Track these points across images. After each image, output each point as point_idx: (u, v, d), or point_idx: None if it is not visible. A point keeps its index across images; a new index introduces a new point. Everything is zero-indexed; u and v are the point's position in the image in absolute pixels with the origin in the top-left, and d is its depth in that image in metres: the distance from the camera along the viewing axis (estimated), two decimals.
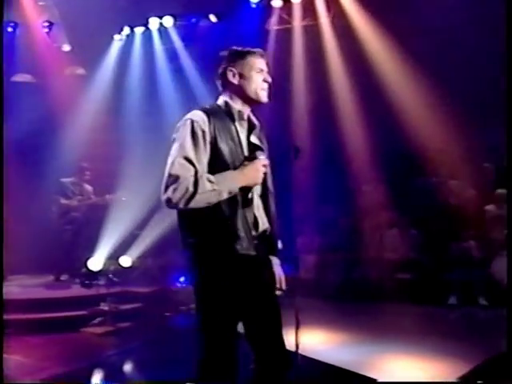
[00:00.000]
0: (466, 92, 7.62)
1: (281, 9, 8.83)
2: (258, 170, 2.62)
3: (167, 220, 6.46)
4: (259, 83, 2.73)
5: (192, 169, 2.50)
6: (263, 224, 2.73)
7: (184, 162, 2.50)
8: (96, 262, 6.77)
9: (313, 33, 8.62)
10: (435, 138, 8.08)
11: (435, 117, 7.91)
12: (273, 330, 2.70)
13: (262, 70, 2.75)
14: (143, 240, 7.31)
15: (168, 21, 9.36)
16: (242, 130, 2.72)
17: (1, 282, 4.48)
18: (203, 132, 2.56)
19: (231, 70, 2.73)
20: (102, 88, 9.29)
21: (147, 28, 9.57)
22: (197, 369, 2.59)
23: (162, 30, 9.53)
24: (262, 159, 2.67)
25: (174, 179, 2.47)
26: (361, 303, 7.21)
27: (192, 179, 2.47)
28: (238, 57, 2.74)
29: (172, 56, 9.47)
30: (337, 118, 8.51)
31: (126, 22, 9.41)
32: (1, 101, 5.23)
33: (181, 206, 2.47)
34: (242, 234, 2.57)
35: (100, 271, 6.74)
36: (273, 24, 8.90)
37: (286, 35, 8.81)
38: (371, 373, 4.45)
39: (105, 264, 6.78)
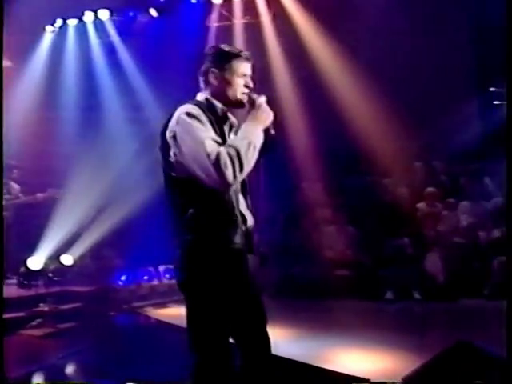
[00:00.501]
0: (401, 92, 7.93)
1: (221, 5, 8.88)
2: (266, 109, 2.67)
3: (110, 218, 6.37)
4: (240, 88, 2.71)
5: (220, 142, 2.54)
6: (250, 220, 2.76)
7: (210, 141, 2.49)
8: (36, 261, 6.57)
9: (254, 30, 8.71)
10: (371, 137, 8.35)
11: (372, 115, 8.18)
12: (260, 326, 2.74)
13: (244, 75, 2.73)
14: (85, 238, 7.15)
15: (104, 14, 9.18)
16: (224, 127, 2.72)
17: (1, 281, 4.30)
18: (202, 122, 2.55)
19: (213, 72, 2.70)
20: (33, 82, 8.99)
21: (81, 20, 9.35)
22: (193, 371, 2.57)
23: (98, 22, 9.34)
24: (258, 98, 2.69)
25: (215, 159, 2.42)
26: (301, 299, 7.34)
27: (229, 148, 2.47)
28: (222, 59, 2.70)
29: (109, 50, 9.30)
30: (277, 115, 8.60)
31: (59, 13, 9.14)
32: None
33: (238, 176, 2.45)
34: (238, 228, 2.60)
35: (40, 270, 6.54)
36: (213, 20, 8.93)
37: (226, 32, 8.84)
38: (324, 366, 4.57)
39: (46, 263, 6.58)
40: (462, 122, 8.90)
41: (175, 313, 7.00)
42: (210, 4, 8.83)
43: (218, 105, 2.70)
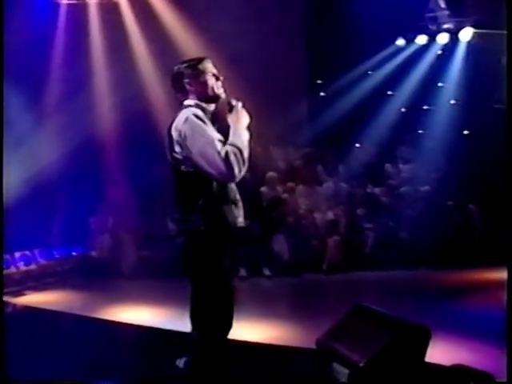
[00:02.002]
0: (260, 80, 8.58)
1: None
2: (244, 112, 3.14)
3: None
4: (214, 83, 3.17)
5: (223, 141, 2.98)
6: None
7: (218, 141, 2.94)
8: None
9: (109, 10, 8.60)
10: None
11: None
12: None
13: (212, 72, 3.18)
14: None
15: None
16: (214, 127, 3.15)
17: (1, 280, 3.91)
18: (206, 124, 3.02)
19: (188, 83, 3.15)
20: None
21: None
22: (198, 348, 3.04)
23: None
24: (237, 103, 3.15)
25: (224, 157, 2.88)
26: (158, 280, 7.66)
27: (232, 147, 2.92)
28: (190, 69, 3.16)
29: None
30: (139, 95, 8.69)
31: None
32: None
33: (242, 170, 2.92)
34: (240, 210, 3.14)
35: None
36: None
37: (78, 10, 8.59)
38: None
39: None
40: (290, 110, 9.87)
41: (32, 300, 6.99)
42: None
43: (209, 108, 3.16)
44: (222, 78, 3.20)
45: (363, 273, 8.29)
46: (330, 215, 8.89)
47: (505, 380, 3.22)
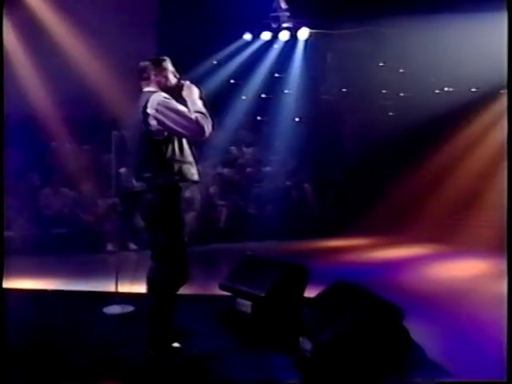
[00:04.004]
0: None
1: None
2: (192, 85, 3.97)
3: None
4: (173, 79, 4.03)
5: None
6: None
7: (187, 111, 3.76)
8: None
9: None
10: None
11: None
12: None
13: (172, 70, 4.04)
14: None
15: None
16: None
17: (0, 281, 3.88)
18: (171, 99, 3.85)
19: (154, 74, 3.98)
20: None
21: None
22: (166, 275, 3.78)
23: None
24: (186, 81, 3.99)
25: (196, 120, 3.70)
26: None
27: (199, 113, 3.77)
28: (156, 64, 4.01)
29: None
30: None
31: None
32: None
33: (210, 129, 3.77)
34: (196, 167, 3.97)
35: None
36: None
37: None
38: None
39: None
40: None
41: None
42: None
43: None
44: (178, 75, 4.05)
45: (218, 245, 9.17)
46: (187, 193, 9.62)
47: (505, 380, 3.29)
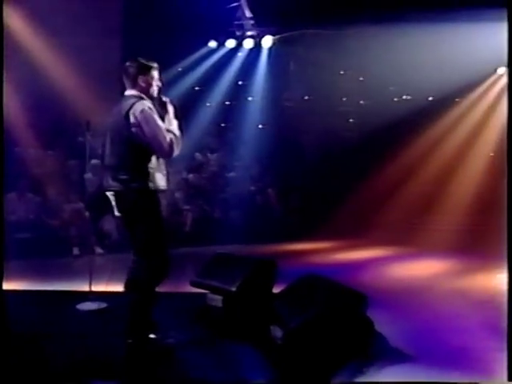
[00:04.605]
0: None
1: None
2: (170, 104, 4.11)
3: None
4: (155, 88, 4.10)
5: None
6: None
7: (164, 130, 3.88)
8: None
9: None
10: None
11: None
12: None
13: (157, 79, 4.11)
14: None
15: None
16: None
17: (0, 281, 3.85)
18: (156, 114, 3.95)
19: (141, 78, 4.03)
20: None
21: None
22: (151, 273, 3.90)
23: None
24: (167, 99, 4.13)
25: (169, 142, 3.85)
26: None
27: (173, 135, 3.93)
28: (146, 69, 4.06)
29: None
30: None
31: None
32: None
33: (178, 150, 3.95)
34: (164, 175, 4.08)
35: None
36: None
37: None
38: None
39: None
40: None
41: None
42: None
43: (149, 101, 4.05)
44: (160, 84, 4.12)
45: (184, 249, 9.26)
46: None
47: (505, 380, 3.37)
